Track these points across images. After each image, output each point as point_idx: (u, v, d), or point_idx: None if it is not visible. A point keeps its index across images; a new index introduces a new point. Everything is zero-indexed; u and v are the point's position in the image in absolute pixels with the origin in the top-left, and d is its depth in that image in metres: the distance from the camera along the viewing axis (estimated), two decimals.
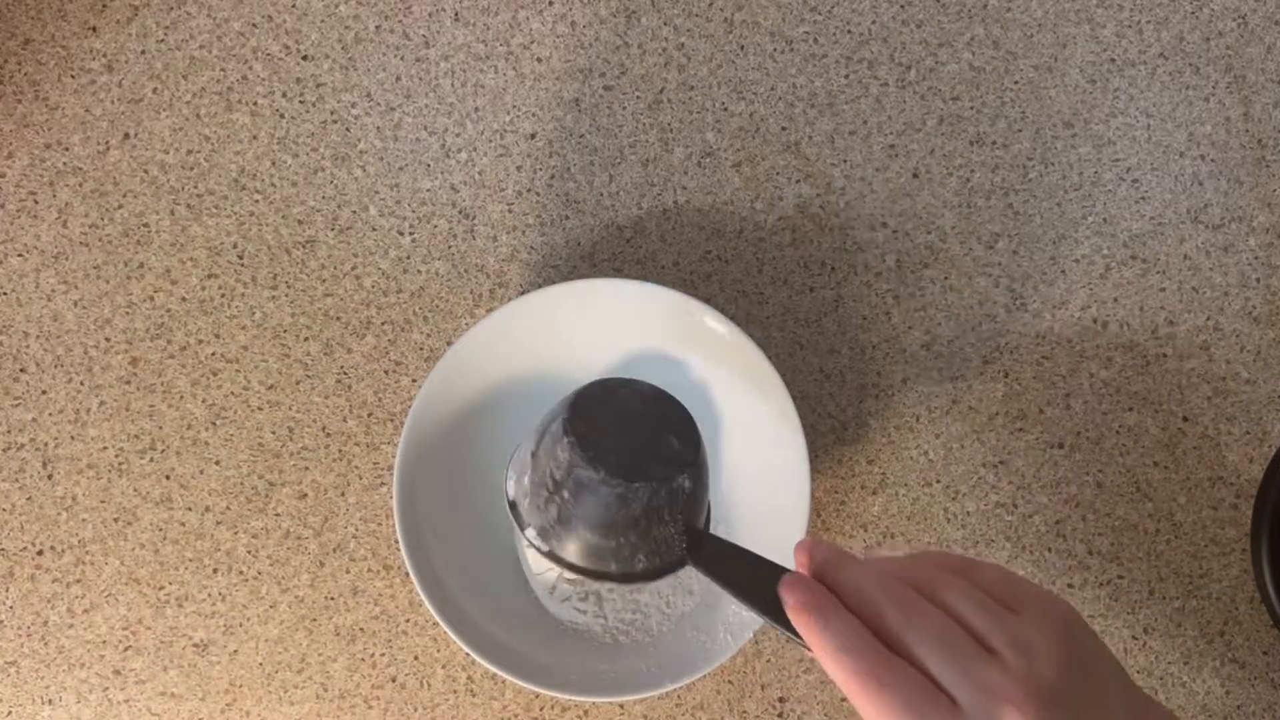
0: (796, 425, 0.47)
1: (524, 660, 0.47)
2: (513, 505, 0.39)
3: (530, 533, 0.38)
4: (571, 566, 0.38)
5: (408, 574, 0.53)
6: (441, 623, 0.47)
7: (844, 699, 0.52)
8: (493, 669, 0.46)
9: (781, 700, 0.53)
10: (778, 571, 0.34)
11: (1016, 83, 0.54)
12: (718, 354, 0.49)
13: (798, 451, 0.47)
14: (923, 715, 0.30)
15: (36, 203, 0.54)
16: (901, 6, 0.54)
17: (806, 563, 0.34)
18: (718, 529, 0.51)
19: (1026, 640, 0.31)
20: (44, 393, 0.53)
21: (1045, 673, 0.30)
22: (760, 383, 0.48)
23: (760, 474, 0.50)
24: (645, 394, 0.42)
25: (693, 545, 0.37)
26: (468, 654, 0.52)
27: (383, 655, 0.53)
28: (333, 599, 0.53)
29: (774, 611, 0.33)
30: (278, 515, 0.53)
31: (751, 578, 0.35)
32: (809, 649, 0.33)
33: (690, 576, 0.50)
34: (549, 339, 0.50)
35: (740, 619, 0.48)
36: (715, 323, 0.48)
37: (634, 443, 0.39)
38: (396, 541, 0.53)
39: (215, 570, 0.53)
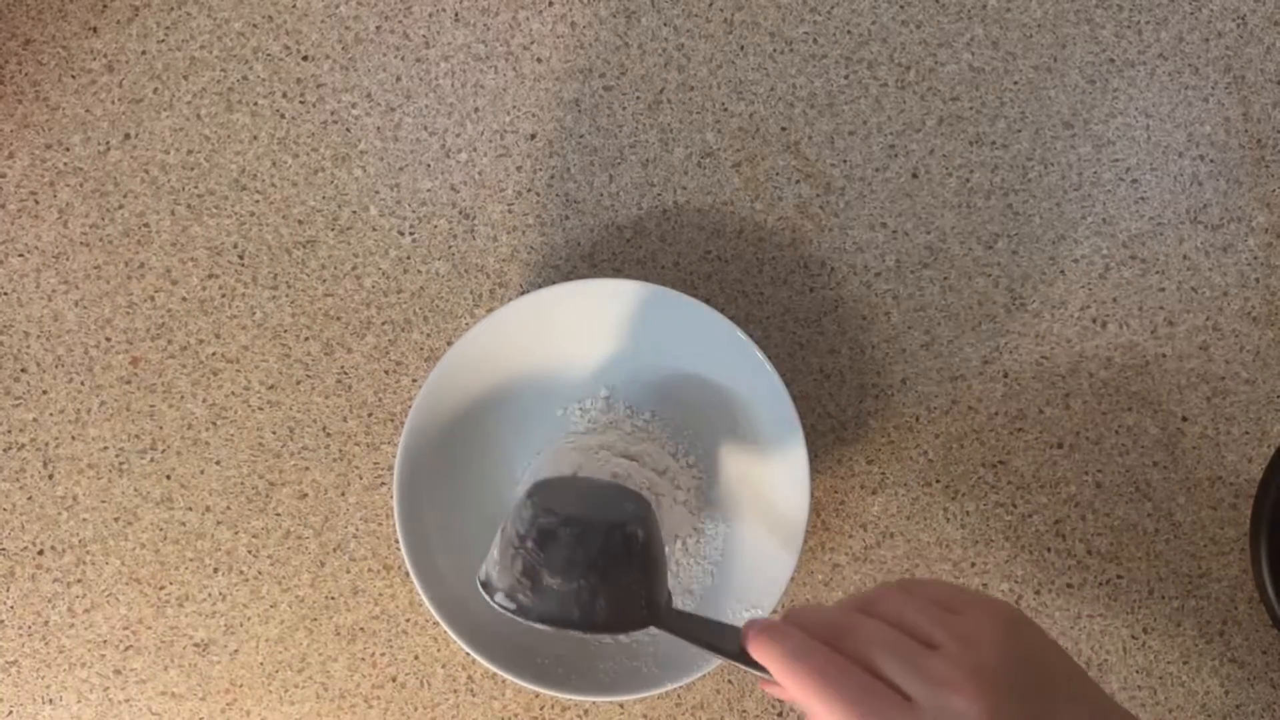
0: (796, 425, 0.47)
1: (524, 660, 0.47)
2: (483, 584, 0.41)
3: (499, 597, 0.40)
4: (538, 619, 0.40)
5: (408, 574, 0.53)
6: (441, 622, 0.47)
7: None
8: (493, 669, 0.47)
9: (781, 700, 0.53)
10: (737, 630, 0.37)
11: (1016, 83, 0.54)
12: (717, 354, 0.49)
13: (797, 452, 0.47)
14: (877, 710, 0.30)
15: (37, 203, 0.54)
16: (901, 7, 0.54)
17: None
18: (717, 526, 0.51)
19: (968, 633, 0.32)
20: (45, 393, 0.53)
21: (989, 659, 0.31)
22: (760, 383, 0.48)
23: (760, 474, 0.50)
24: (603, 482, 0.46)
25: (652, 610, 0.40)
26: (468, 653, 0.52)
27: (383, 655, 0.53)
28: (333, 599, 0.53)
29: (739, 657, 0.36)
30: (278, 515, 0.53)
31: (715, 634, 0.38)
32: (769, 676, 0.34)
33: (690, 576, 0.50)
34: (549, 339, 0.50)
35: (740, 619, 0.48)
36: (715, 322, 0.48)
37: (589, 503, 0.42)
38: (396, 541, 0.53)
39: (216, 570, 0.53)
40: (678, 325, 0.49)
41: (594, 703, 0.52)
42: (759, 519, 0.50)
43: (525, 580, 0.40)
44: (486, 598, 0.41)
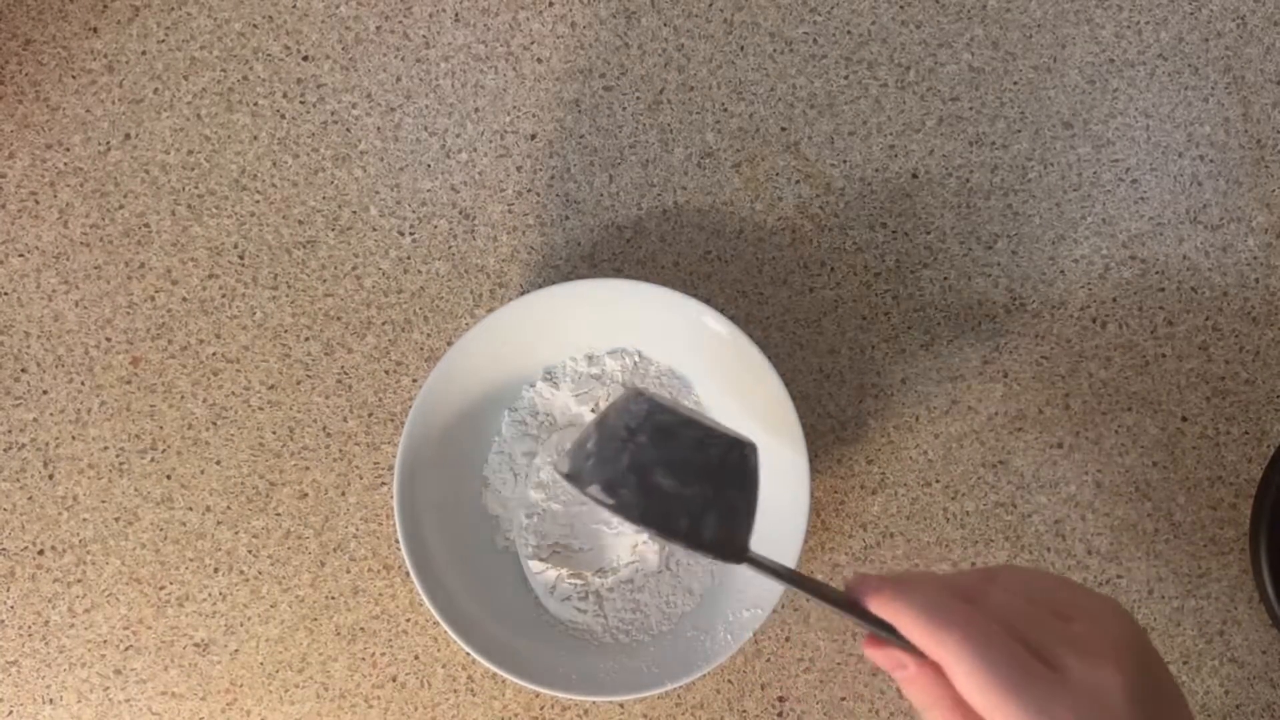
0: (796, 425, 0.47)
1: (524, 660, 0.47)
2: (570, 475, 0.37)
3: (595, 489, 0.36)
4: (639, 519, 0.36)
5: (408, 574, 0.53)
6: (442, 622, 0.47)
7: (844, 698, 0.53)
8: (493, 669, 0.47)
9: (781, 700, 0.53)
10: (827, 585, 0.34)
11: (1016, 83, 0.54)
12: (717, 354, 0.49)
13: (798, 451, 0.47)
14: (1028, 676, 0.29)
15: (38, 203, 0.54)
16: (901, 7, 0.55)
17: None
18: None
19: (1094, 610, 0.32)
20: (45, 393, 0.53)
21: (1118, 635, 0.31)
22: (760, 383, 0.48)
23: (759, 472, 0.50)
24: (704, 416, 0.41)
25: (747, 550, 0.37)
26: (468, 653, 0.52)
27: (383, 655, 0.53)
28: (333, 598, 0.53)
29: (846, 605, 0.33)
30: (278, 515, 0.53)
31: (809, 583, 0.35)
32: (879, 630, 0.32)
33: (690, 576, 0.50)
34: (549, 339, 0.50)
35: (740, 619, 0.48)
36: (715, 323, 0.48)
37: (699, 417, 0.38)
38: (397, 541, 0.53)
39: (216, 570, 0.53)
40: (677, 325, 0.49)
41: (594, 702, 0.52)
42: (759, 519, 0.50)
43: (632, 475, 0.35)
44: (574, 489, 0.37)
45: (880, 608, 0.32)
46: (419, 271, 0.54)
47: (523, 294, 0.51)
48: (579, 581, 0.49)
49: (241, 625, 0.53)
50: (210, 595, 0.53)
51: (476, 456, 0.51)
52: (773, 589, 0.47)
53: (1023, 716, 0.29)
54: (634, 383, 0.45)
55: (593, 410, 0.51)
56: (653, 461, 0.36)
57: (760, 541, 0.50)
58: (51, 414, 0.53)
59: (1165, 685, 0.31)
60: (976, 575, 0.33)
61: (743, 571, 0.50)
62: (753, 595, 0.48)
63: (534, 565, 0.50)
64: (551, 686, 0.46)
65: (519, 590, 0.50)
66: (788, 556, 0.47)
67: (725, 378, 0.50)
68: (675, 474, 0.35)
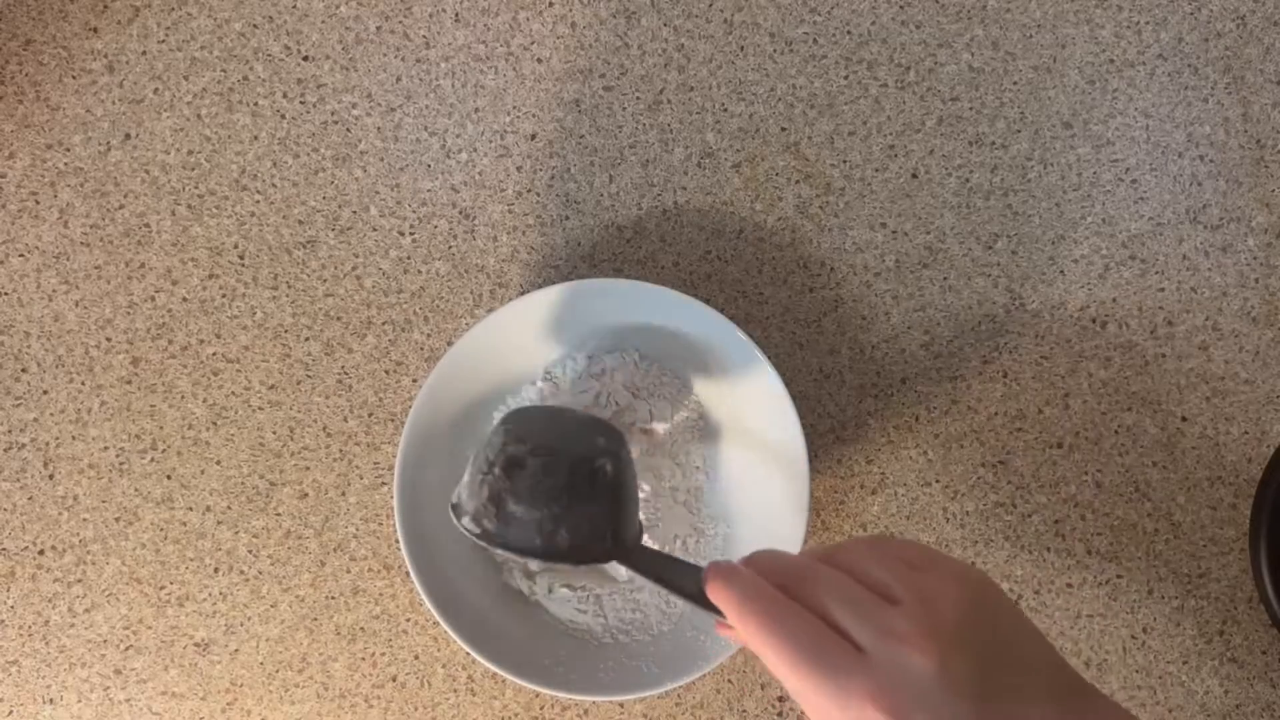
0: (796, 424, 0.47)
1: (524, 660, 0.47)
2: (454, 506, 0.42)
3: (466, 521, 0.41)
4: (501, 545, 0.40)
5: (408, 573, 0.53)
6: (442, 622, 0.47)
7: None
8: (493, 668, 0.47)
9: (781, 699, 0.53)
10: (699, 571, 0.36)
11: (1015, 83, 0.54)
12: (717, 352, 0.49)
13: (797, 451, 0.47)
14: (826, 657, 0.30)
15: (38, 203, 0.54)
16: (901, 8, 0.55)
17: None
18: (717, 526, 0.51)
19: (930, 591, 0.31)
20: (45, 392, 0.53)
21: (947, 618, 0.30)
22: (759, 381, 0.48)
23: (760, 473, 0.50)
24: (578, 414, 0.46)
25: (617, 544, 0.41)
26: (468, 653, 0.52)
27: (383, 654, 0.53)
28: (333, 598, 0.53)
29: (698, 598, 0.36)
30: (278, 515, 0.53)
31: (677, 573, 0.38)
32: (723, 619, 0.34)
33: None
34: (549, 339, 0.50)
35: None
36: (714, 321, 0.48)
37: (561, 434, 0.43)
38: (397, 541, 0.53)
39: (216, 570, 0.53)
40: (678, 325, 0.49)
41: (594, 702, 0.52)
42: (758, 520, 0.50)
43: (491, 506, 0.40)
44: (455, 520, 0.41)
45: (714, 596, 0.34)
46: (419, 271, 0.54)
47: (523, 294, 0.51)
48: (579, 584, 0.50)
49: (242, 625, 0.53)
50: (210, 595, 0.53)
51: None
52: None
53: (820, 695, 0.30)
54: (578, 394, 0.49)
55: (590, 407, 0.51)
56: (506, 491, 0.40)
57: (761, 541, 0.50)
58: (52, 414, 0.53)
59: (1015, 659, 0.31)
60: (819, 553, 0.34)
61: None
62: None
63: (533, 565, 0.50)
64: (552, 686, 0.47)
65: (519, 590, 0.50)
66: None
67: (724, 377, 0.50)
68: (525, 501, 0.40)
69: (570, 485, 0.40)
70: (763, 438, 0.49)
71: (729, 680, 0.53)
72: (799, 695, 0.31)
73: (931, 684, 0.29)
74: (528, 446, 0.41)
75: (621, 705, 0.53)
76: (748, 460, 0.50)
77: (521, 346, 0.50)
